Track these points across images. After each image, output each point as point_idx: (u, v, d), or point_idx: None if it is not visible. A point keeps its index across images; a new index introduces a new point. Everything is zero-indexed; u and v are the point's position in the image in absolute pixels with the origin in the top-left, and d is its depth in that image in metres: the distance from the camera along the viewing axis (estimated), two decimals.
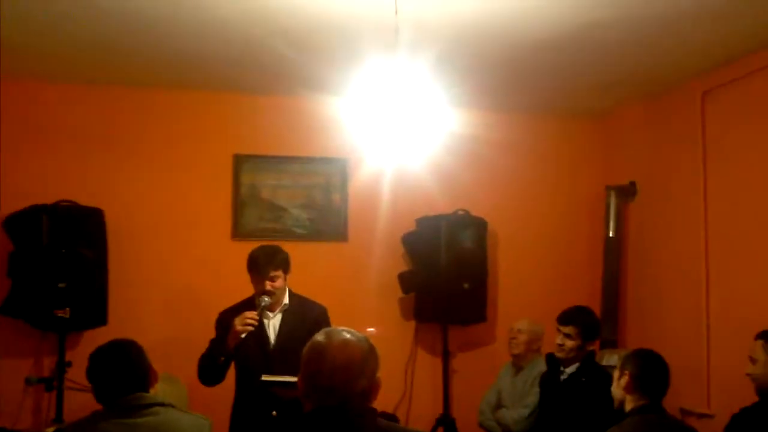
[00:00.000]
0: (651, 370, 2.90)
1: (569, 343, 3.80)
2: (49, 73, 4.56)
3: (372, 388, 1.94)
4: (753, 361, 3.10)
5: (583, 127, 5.58)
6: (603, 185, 5.31)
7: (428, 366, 5.14)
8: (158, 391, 2.58)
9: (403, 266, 5.15)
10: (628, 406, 2.89)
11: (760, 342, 3.10)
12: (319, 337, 1.99)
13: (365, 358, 1.94)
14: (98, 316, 4.48)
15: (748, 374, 3.12)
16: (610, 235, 5.17)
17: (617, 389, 2.96)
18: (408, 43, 3.47)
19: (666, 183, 4.90)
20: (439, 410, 4.97)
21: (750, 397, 3.15)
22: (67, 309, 4.29)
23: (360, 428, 1.88)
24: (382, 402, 2.01)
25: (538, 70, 4.46)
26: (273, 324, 3.55)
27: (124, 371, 2.45)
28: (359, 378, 1.91)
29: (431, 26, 3.67)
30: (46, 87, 4.70)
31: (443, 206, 5.06)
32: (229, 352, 3.40)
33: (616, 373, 2.99)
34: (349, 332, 2.01)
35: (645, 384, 2.87)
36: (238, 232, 4.97)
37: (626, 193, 5.21)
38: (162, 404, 2.46)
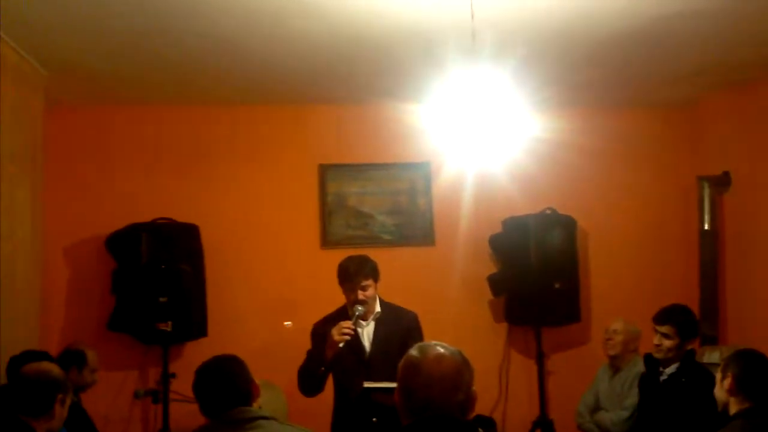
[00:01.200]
0: (755, 372, 2.77)
1: (667, 343, 3.70)
2: (140, 96, 4.76)
3: (469, 401, 1.94)
4: None
5: (671, 117, 5.44)
6: (694, 177, 5.14)
7: (522, 368, 5.11)
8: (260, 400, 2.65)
9: (491, 268, 5.13)
10: (733, 409, 2.78)
11: None
12: (413, 351, 2.01)
13: (460, 371, 1.95)
14: (199, 327, 4.64)
15: None
16: (705, 227, 5.01)
17: (720, 392, 2.85)
18: (487, 47, 3.46)
19: (763, 171, 4.71)
20: (536, 412, 4.93)
21: None
22: (169, 322, 4.46)
23: None
24: (478, 406, 2.00)
25: (621, 64, 4.38)
26: (367, 332, 3.60)
27: (228, 386, 2.52)
28: (455, 391, 1.91)
29: (508, 29, 3.65)
30: (139, 110, 4.92)
31: (528, 206, 5.01)
32: (328, 362, 3.47)
33: (718, 375, 2.88)
34: (442, 346, 2.01)
35: (749, 386, 2.75)
36: (327, 241, 5.07)
37: (720, 183, 5.03)
38: (265, 417, 2.53)
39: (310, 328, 3.82)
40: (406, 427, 1.93)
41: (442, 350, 1.99)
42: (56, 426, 2.65)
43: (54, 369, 2.72)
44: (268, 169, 5.05)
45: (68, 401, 2.71)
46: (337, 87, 4.66)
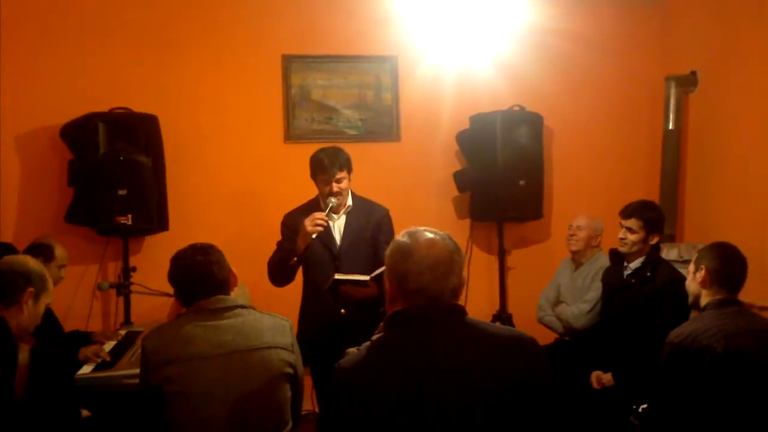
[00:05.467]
0: (729, 263, 2.83)
1: (632, 237, 3.75)
2: None
3: (460, 286, 1.92)
4: None
5: (642, 12, 5.33)
6: (662, 75, 5.12)
7: (483, 263, 5.15)
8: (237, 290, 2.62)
9: (457, 165, 5.10)
10: (704, 301, 2.83)
11: None
12: (403, 238, 1.95)
13: (452, 256, 1.92)
14: (159, 221, 4.53)
15: None
16: (670, 127, 5.02)
17: (693, 284, 2.90)
18: None
19: (731, 72, 4.70)
20: (496, 306, 5.02)
21: None
22: (129, 215, 4.34)
23: (452, 326, 1.88)
24: None
25: None
26: (338, 225, 3.57)
27: (206, 275, 2.48)
28: (449, 276, 1.88)
29: None
30: None
31: (498, 103, 4.94)
32: (300, 253, 3.43)
33: (691, 267, 2.93)
34: (432, 231, 1.96)
35: (722, 277, 2.80)
36: (291, 135, 4.95)
37: (687, 83, 5.02)
38: (243, 306, 2.50)
39: (272, 222, 3.77)
40: (398, 313, 1.90)
41: (432, 235, 1.94)
42: (27, 323, 2.50)
43: (31, 262, 2.57)
44: (230, 59, 4.85)
45: (44, 300, 2.56)
46: None
